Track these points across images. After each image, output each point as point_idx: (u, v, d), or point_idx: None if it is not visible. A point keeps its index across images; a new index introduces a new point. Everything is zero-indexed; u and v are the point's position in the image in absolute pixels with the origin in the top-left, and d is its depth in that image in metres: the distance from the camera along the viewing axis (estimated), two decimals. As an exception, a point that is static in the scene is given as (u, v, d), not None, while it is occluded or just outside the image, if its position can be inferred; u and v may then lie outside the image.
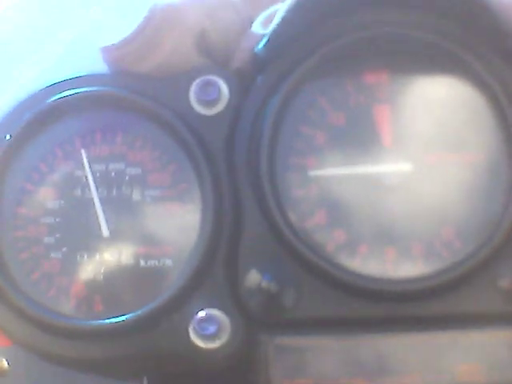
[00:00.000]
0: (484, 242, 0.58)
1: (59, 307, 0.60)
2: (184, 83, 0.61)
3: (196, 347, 0.58)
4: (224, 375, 0.61)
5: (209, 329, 0.58)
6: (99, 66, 0.63)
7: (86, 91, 0.62)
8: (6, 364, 0.62)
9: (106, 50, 0.62)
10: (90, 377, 0.62)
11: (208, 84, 0.61)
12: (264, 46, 0.60)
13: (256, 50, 0.61)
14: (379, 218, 0.59)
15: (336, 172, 0.60)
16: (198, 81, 0.61)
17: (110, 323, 0.58)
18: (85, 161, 0.61)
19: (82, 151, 0.61)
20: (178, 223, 0.60)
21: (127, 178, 0.61)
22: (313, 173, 0.60)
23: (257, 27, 0.62)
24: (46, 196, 0.61)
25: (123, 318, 0.58)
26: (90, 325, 0.59)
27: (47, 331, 0.59)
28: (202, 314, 0.58)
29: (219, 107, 0.61)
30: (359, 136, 0.60)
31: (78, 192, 0.61)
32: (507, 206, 0.58)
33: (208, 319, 0.58)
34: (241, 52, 0.63)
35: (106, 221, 0.61)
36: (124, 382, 0.63)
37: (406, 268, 0.59)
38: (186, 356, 0.58)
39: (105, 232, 0.61)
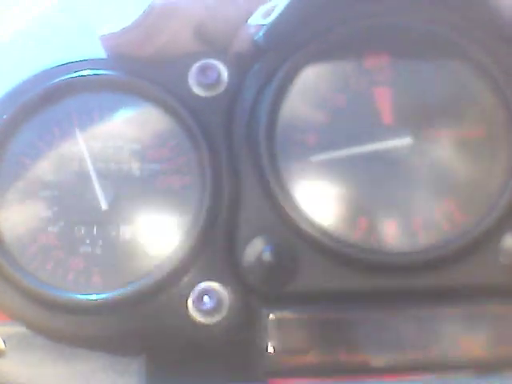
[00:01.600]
0: (485, 214, 0.58)
1: (56, 280, 0.59)
2: (183, 67, 0.62)
3: (195, 321, 0.58)
4: (223, 351, 0.61)
5: (207, 303, 0.58)
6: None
7: (85, 74, 0.62)
8: (2, 344, 0.61)
9: (106, 38, 0.63)
10: (88, 354, 0.62)
11: (207, 67, 0.62)
12: (264, 34, 0.61)
13: (256, 38, 0.62)
14: (379, 192, 0.60)
15: (336, 149, 0.60)
16: (197, 64, 0.62)
17: (108, 297, 0.58)
18: (79, 139, 0.61)
19: (77, 130, 0.61)
20: (177, 197, 0.60)
21: (126, 153, 0.61)
22: (313, 149, 0.60)
23: (257, 18, 0.63)
24: (44, 170, 0.61)
25: (121, 291, 0.58)
26: (87, 298, 0.58)
27: (44, 306, 0.58)
28: (202, 286, 0.58)
29: (218, 89, 0.62)
30: (359, 115, 0.61)
31: (76, 166, 0.61)
32: (508, 179, 0.59)
33: (207, 293, 0.58)
34: (240, 40, 0.63)
35: (104, 194, 0.60)
36: (123, 358, 0.62)
37: (406, 241, 0.59)
38: (184, 330, 0.58)
39: (103, 205, 0.60)
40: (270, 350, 0.57)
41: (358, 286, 0.59)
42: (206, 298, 0.58)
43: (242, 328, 0.58)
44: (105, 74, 0.62)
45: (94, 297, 0.58)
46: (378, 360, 0.58)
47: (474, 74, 0.61)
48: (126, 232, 0.60)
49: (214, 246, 0.59)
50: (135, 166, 0.61)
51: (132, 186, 0.61)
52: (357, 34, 0.62)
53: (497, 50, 0.61)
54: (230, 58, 0.63)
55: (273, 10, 0.62)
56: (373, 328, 0.58)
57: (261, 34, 0.61)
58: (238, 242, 0.59)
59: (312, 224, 0.59)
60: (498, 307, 0.58)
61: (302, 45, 0.62)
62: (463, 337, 0.58)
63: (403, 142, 0.60)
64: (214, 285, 0.58)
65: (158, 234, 0.60)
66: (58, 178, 0.61)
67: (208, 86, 0.62)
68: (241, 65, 0.63)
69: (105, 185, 0.61)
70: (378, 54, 0.62)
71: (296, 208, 0.59)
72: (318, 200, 0.60)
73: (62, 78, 0.62)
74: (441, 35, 0.61)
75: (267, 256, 0.58)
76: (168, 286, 0.58)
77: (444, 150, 0.60)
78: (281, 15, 0.60)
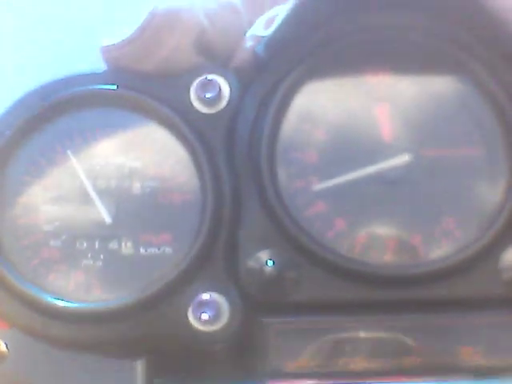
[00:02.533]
0: (484, 230, 0.59)
1: (58, 290, 0.60)
2: (185, 82, 0.62)
3: (195, 330, 0.58)
4: (223, 358, 0.61)
5: (207, 313, 0.58)
6: (96, 64, 0.63)
7: (86, 89, 0.62)
8: (4, 348, 0.62)
9: (106, 50, 0.63)
10: (87, 358, 0.62)
11: (209, 83, 0.61)
12: (265, 45, 0.61)
13: (256, 49, 0.62)
14: (379, 209, 0.60)
15: (337, 173, 0.61)
16: (198, 80, 0.62)
17: (109, 305, 0.58)
18: (73, 161, 0.62)
19: (69, 152, 0.62)
20: (178, 212, 0.60)
21: (127, 170, 0.61)
22: (313, 166, 0.61)
23: (258, 29, 0.62)
24: (46, 186, 0.61)
25: (122, 300, 0.58)
26: (88, 307, 0.59)
27: (45, 314, 0.59)
28: (205, 296, 0.58)
29: (219, 106, 0.62)
30: (359, 132, 0.61)
31: (78, 182, 0.61)
32: (507, 197, 0.59)
33: (207, 303, 0.58)
34: (241, 52, 0.63)
35: (107, 210, 0.61)
36: (122, 361, 0.62)
37: (405, 256, 0.60)
38: (184, 339, 0.58)
39: (107, 219, 0.61)
40: (271, 359, 0.58)
41: (357, 297, 0.59)
42: (204, 316, 0.58)
43: (242, 337, 0.59)
44: (105, 90, 0.62)
45: (94, 305, 0.59)
46: (375, 366, 0.59)
47: (474, 91, 0.61)
48: (128, 246, 0.60)
49: (215, 259, 0.60)
50: (136, 184, 0.61)
51: (133, 203, 0.61)
52: (357, 47, 0.62)
53: (498, 67, 0.61)
54: (231, 72, 0.62)
55: (273, 20, 0.61)
56: (372, 336, 0.58)
57: (261, 45, 0.61)
58: (239, 257, 0.60)
59: (313, 240, 0.59)
60: (496, 318, 0.58)
61: (302, 57, 0.61)
62: (462, 346, 0.58)
63: (402, 159, 0.60)
64: (215, 295, 0.59)
65: (159, 249, 0.60)
66: (60, 193, 0.61)
67: (209, 102, 0.61)
68: (242, 78, 0.62)
69: (107, 201, 0.61)
70: (378, 69, 0.62)
71: (297, 224, 0.59)
72: (318, 215, 0.60)
73: (62, 93, 0.62)
74: (442, 50, 0.61)
75: (269, 270, 0.58)
76: (169, 296, 0.59)
77: (443, 168, 0.60)
78: (281, 26, 0.60)
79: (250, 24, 0.64)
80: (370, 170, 0.60)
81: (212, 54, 0.64)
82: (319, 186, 0.60)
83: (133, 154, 0.62)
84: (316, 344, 0.58)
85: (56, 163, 0.62)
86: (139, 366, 0.61)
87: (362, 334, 0.58)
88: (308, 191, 0.61)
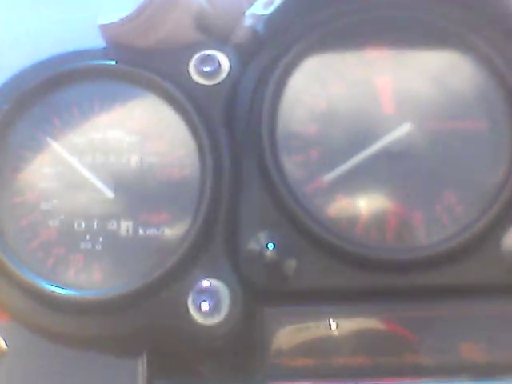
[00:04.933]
0: (486, 208, 0.58)
1: (58, 277, 0.58)
2: (184, 57, 0.62)
3: (195, 321, 0.57)
4: (223, 352, 0.60)
5: (207, 302, 0.56)
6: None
7: (86, 64, 0.62)
8: (3, 344, 0.61)
9: (105, 28, 0.62)
10: (88, 356, 0.61)
11: (208, 58, 0.61)
12: (265, 24, 0.61)
13: (256, 27, 0.62)
14: (380, 184, 0.59)
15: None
16: (198, 55, 0.62)
17: (108, 294, 0.57)
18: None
19: (49, 140, 0.61)
20: (177, 189, 0.60)
21: (125, 144, 0.61)
22: (313, 139, 0.60)
23: (258, 8, 0.63)
24: (43, 162, 0.61)
25: (122, 288, 0.57)
26: (87, 296, 0.58)
27: (45, 304, 0.58)
28: (205, 283, 0.57)
29: (219, 78, 0.61)
30: (360, 104, 0.61)
31: (76, 158, 0.61)
32: (509, 174, 0.58)
33: (207, 291, 0.57)
34: (241, 30, 0.63)
35: (106, 186, 0.60)
36: (123, 358, 0.61)
37: (407, 237, 0.58)
38: (185, 330, 0.57)
39: (109, 194, 0.60)
40: (270, 351, 0.57)
41: (358, 284, 0.58)
42: (204, 305, 0.56)
43: (243, 328, 0.57)
44: (104, 64, 0.62)
45: (94, 294, 0.57)
46: (377, 363, 0.57)
47: (477, 65, 0.61)
48: (127, 227, 0.59)
49: (215, 241, 0.58)
50: (134, 159, 0.60)
51: (131, 178, 0.60)
52: (357, 25, 0.62)
53: (500, 41, 0.61)
54: (230, 48, 0.62)
55: (273, 0, 0.62)
56: (373, 331, 0.57)
57: (261, 24, 0.61)
58: (240, 238, 0.58)
59: (311, 217, 0.58)
60: (498, 308, 0.57)
61: (302, 35, 0.61)
62: (463, 343, 0.57)
63: (403, 129, 0.60)
64: (215, 282, 0.57)
65: (158, 229, 0.59)
66: (58, 170, 0.60)
67: (208, 75, 0.61)
68: (241, 54, 0.62)
69: (105, 176, 0.60)
70: (378, 45, 0.62)
71: (297, 201, 0.58)
72: (318, 191, 0.59)
73: (62, 67, 0.61)
74: (443, 25, 0.61)
75: (269, 252, 0.57)
76: (169, 284, 0.57)
77: (444, 141, 0.60)
78: (281, 5, 0.60)
79: (250, 4, 0.64)
80: (374, 148, 0.59)
81: (212, 32, 0.64)
82: (327, 176, 0.60)
83: (132, 128, 0.61)
84: (315, 340, 0.57)
85: (54, 137, 0.61)
86: (140, 366, 0.60)
87: (362, 328, 0.57)
88: (308, 165, 0.60)
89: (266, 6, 0.62)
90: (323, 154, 0.60)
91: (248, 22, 0.62)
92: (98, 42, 0.63)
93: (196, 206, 0.59)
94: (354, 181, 0.59)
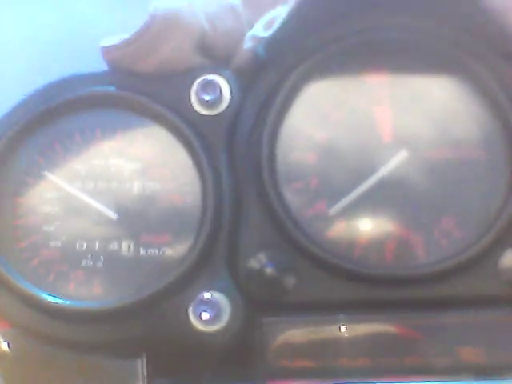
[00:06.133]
0: (484, 231, 0.59)
1: (58, 290, 0.60)
2: (185, 83, 0.62)
3: (196, 330, 0.58)
4: (222, 357, 0.61)
5: (208, 312, 0.58)
6: (94, 63, 0.64)
7: (87, 91, 0.62)
8: (6, 347, 0.61)
9: (107, 50, 0.63)
10: (88, 358, 0.62)
11: (209, 84, 0.61)
12: (265, 46, 0.61)
13: (257, 50, 0.62)
14: (379, 209, 0.60)
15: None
16: (198, 80, 0.62)
17: (109, 304, 0.58)
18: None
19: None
20: (178, 214, 0.61)
21: (127, 172, 0.61)
22: (313, 167, 0.61)
23: (258, 30, 0.63)
24: (46, 187, 0.61)
25: (122, 299, 0.58)
26: (89, 306, 0.59)
27: (45, 313, 0.59)
28: (206, 295, 0.58)
29: (220, 107, 0.62)
30: (359, 133, 0.61)
31: (78, 184, 0.61)
32: (507, 198, 0.59)
33: (208, 303, 0.58)
34: (242, 53, 0.63)
35: (108, 209, 0.61)
36: (123, 360, 0.62)
37: (405, 257, 0.60)
38: (186, 339, 0.58)
39: (113, 216, 0.61)
40: (269, 358, 0.58)
41: (357, 298, 0.59)
42: (204, 315, 0.58)
43: (242, 338, 0.59)
44: (106, 91, 0.62)
45: (95, 304, 0.59)
46: (377, 365, 0.59)
47: (475, 93, 0.61)
48: (128, 247, 0.60)
49: (216, 261, 0.60)
50: (136, 186, 0.61)
51: (133, 204, 0.61)
52: (357, 48, 0.62)
53: (499, 68, 0.61)
54: (231, 73, 0.62)
55: (273, 22, 0.62)
56: (373, 335, 0.58)
57: (262, 45, 0.61)
58: (240, 258, 0.60)
59: (312, 241, 0.59)
60: (496, 317, 0.58)
61: (303, 58, 0.62)
62: (462, 346, 0.58)
63: (399, 157, 0.60)
64: (216, 294, 0.59)
65: (160, 250, 0.60)
66: (60, 195, 0.61)
67: (210, 104, 0.61)
68: (242, 79, 0.62)
69: (107, 202, 0.61)
70: (378, 70, 0.62)
71: (296, 225, 0.59)
72: (318, 216, 0.60)
73: (64, 95, 0.62)
74: (442, 51, 0.61)
75: (269, 271, 0.58)
76: (169, 296, 0.59)
77: (442, 169, 0.60)
78: (282, 27, 0.60)
79: (250, 26, 0.64)
80: (375, 178, 0.60)
81: (212, 55, 0.64)
82: (333, 209, 0.60)
83: (133, 156, 0.62)
84: (315, 344, 0.59)
85: (56, 164, 0.62)
86: (140, 366, 0.61)
87: (362, 333, 0.59)
88: (308, 192, 0.61)
89: (266, 27, 0.62)
90: (323, 182, 0.61)
91: (248, 44, 0.63)
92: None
93: (197, 230, 0.60)
94: (354, 207, 0.60)
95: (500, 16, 0.59)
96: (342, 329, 0.58)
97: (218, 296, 0.59)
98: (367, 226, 0.60)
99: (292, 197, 0.60)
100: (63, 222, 0.61)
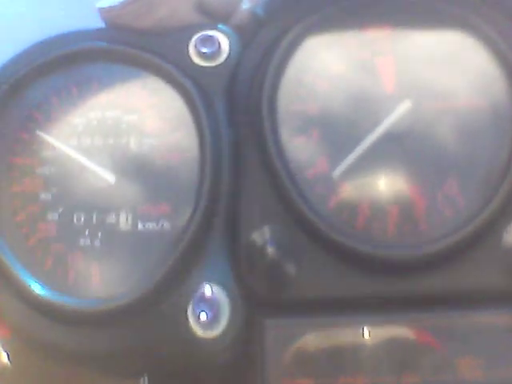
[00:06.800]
0: (487, 200, 0.56)
1: (57, 282, 0.57)
2: (183, 38, 0.61)
3: (196, 336, 0.55)
4: (224, 374, 0.58)
5: (206, 312, 0.55)
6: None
7: (84, 45, 0.62)
8: (6, 359, 0.59)
9: (104, 11, 0.62)
10: (89, 375, 0.59)
11: (208, 38, 0.61)
12: (264, 5, 0.61)
13: (256, 10, 0.62)
14: (382, 170, 0.58)
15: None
16: (197, 35, 0.61)
17: (109, 304, 0.55)
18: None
19: (37, 132, 0.60)
20: (176, 176, 0.58)
21: (124, 125, 0.60)
22: (314, 118, 0.59)
23: (256, -10, 0.62)
24: (42, 145, 0.60)
25: (122, 298, 0.56)
26: (87, 307, 0.56)
27: (45, 314, 0.56)
28: (206, 291, 0.55)
29: (219, 59, 0.61)
30: (361, 84, 0.60)
31: (75, 141, 0.60)
32: (510, 160, 0.57)
33: (207, 301, 0.55)
34: (240, 12, 0.63)
35: (106, 171, 0.59)
36: (124, 380, 0.59)
37: (408, 231, 0.57)
38: (185, 345, 0.55)
39: (111, 178, 0.59)
40: (269, 373, 0.55)
41: (358, 290, 0.56)
42: (203, 315, 0.55)
43: (242, 343, 0.56)
44: (103, 46, 0.62)
45: (94, 305, 0.56)
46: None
47: (478, 45, 0.60)
48: (126, 221, 0.58)
49: (216, 236, 0.57)
50: (133, 141, 0.60)
51: (131, 163, 0.59)
52: (358, 6, 0.61)
53: (502, 23, 0.60)
54: (230, 29, 0.62)
55: (272, -16, 0.61)
56: (372, 348, 0.55)
57: (261, 6, 0.61)
58: (240, 231, 0.57)
59: (314, 210, 0.56)
60: (497, 319, 0.55)
61: (302, 16, 0.61)
62: (461, 359, 0.55)
63: (403, 108, 0.59)
64: (215, 288, 0.55)
65: (158, 223, 0.58)
66: (56, 153, 0.59)
67: (208, 56, 0.61)
68: (241, 36, 0.62)
69: (105, 161, 0.59)
70: (379, 26, 0.61)
71: (298, 190, 0.57)
72: (320, 176, 0.58)
73: (61, 49, 0.61)
74: (444, 8, 0.61)
75: (270, 250, 0.55)
76: (169, 291, 0.56)
77: (445, 121, 0.59)
78: None
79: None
80: (377, 132, 0.58)
81: (211, 14, 0.63)
82: (336, 171, 0.58)
83: (130, 108, 0.60)
84: (315, 361, 0.55)
85: (52, 118, 0.60)
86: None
87: (361, 347, 0.55)
88: (309, 147, 0.59)
89: (265, -11, 0.62)
90: (324, 135, 0.59)
91: (247, 4, 0.62)
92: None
93: (196, 196, 0.57)
94: (357, 167, 0.58)
95: None
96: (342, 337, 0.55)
97: (216, 292, 0.55)
98: (370, 190, 0.57)
99: (293, 153, 0.58)
100: (60, 188, 0.59)
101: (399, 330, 0.55)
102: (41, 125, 0.60)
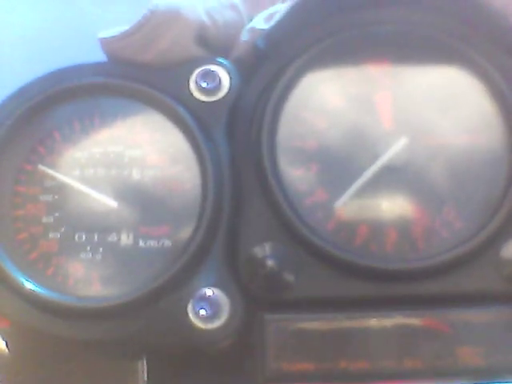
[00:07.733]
0: (485, 222, 0.58)
1: (57, 286, 0.59)
2: (185, 72, 0.62)
3: (195, 328, 0.57)
4: (222, 356, 0.60)
5: (206, 309, 0.57)
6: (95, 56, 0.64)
7: (87, 80, 0.62)
8: (4, 347, 0.61)
9: (106, 42, 0.63)
10: (88, 358, 0.61)
11: (208, 73, 0.61)
12: (265, 38, 0.61)
13: (257, 42, 0.62)
14: (380, 199, 0.60)
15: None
16: (198, 70, 0.62)
17: (109, 301, 0.58)
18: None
19: (40, 166, 0.61)
20: (178, 203, 0.60)
21: (126, 159, 0.61)
22: (313, 153, 0.61)
23: (258, 22, 0.63)
24: (45, 175, 0.61)
25: (122, 296, 0.58)
26: (88, 303, 0.58)
27: (45, 310, 0.58)
28: (207, 292, 0.57)
29: (219, 94, 0.62)
30: (359, 120, 0.61)
31: (77, 172, 0.61)
32: (508, 187, 0.58)
33: (207, 300, 0.57)
34: (241, 44, 0.63)
35: (107, 198, 0.60)
36: (123, 362, 0.61)
37: (406, 248, 0.59)
38: (185, 337, 0.57)
39: (113, 204, 0.60)
40: (270, 357, 0.57)
41: (357, 292, 0.58)
42: (202, 311, 0.57)
43: (242, 334, 0.58)
44: (105, 80, 0.62)
45: (94, 301, 0.58)
46: (377, 368, 0.57)
47: (476, 81, 0.61)
48: (127, 239, 0.60)
49: (216, 252, 0.59)
50: (135, 172, 0.61)
51: (132, 191, 0.60)
52: (357, 39, 0.62)
53: (497, 56, 0.61)
54: (231, 63, 0.62)
55: (273, 16, 0.62)
56: (372, 336, 0.57)
57: (262, 38, 0.61)
58: (240, 250, 0.59)
59: (313, 231, 0.58)
60: (496, 315, 0.57)
61: (303, 50, 0.62)
62: (461, 346, 0.57)
63: (400, 144, 0.60)
64: (215, 290, 0.58)
65: (159, 242, 0.60)
66: (59, 183, 0.61)
67: (209, 91, 0.61)
68: (242, 69, 0.62)
69: (107, 190, 0.61)
70: (378, 61, 0.62)
71: (297, 214, 0.59)
72: (318, 204, 0.60)
73: (63, 83, 0.62)
74: (441, 41, 0.61)
75: (269, 265, 0.57)
76: (168, 293, 0.58)
77: (443, 156, 0.60)
78: (282, 19, 0.61)
79: (250, 19, 0.64)
80: (377, 166, 0.60)
81: (212, 47, 0.64)
82: (339, 202, 0.60)
83: (133, 143, 0.61)
84: (316, 345, 0.57)
85: (55, 152, 0.62)
86: (140, 369, 0.60)
87: (362, 336, 0.57)
88: (308, 179, 0.60)
89: (267, 20, 0.62)
90: (323, 169, 0.60)
91: (247, 36, 0.63)
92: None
93: (197, 220, 0.59)
94: (355, 196, 0.60)
95: (499, 9, 0.59)
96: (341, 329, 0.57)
97: (217, 293, 0.58)
98: (367, 215, 0.59)
99: (292, 184, 0.60)
100: (62, 213, 0.60)
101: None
102: (44, 158, 0.61)
